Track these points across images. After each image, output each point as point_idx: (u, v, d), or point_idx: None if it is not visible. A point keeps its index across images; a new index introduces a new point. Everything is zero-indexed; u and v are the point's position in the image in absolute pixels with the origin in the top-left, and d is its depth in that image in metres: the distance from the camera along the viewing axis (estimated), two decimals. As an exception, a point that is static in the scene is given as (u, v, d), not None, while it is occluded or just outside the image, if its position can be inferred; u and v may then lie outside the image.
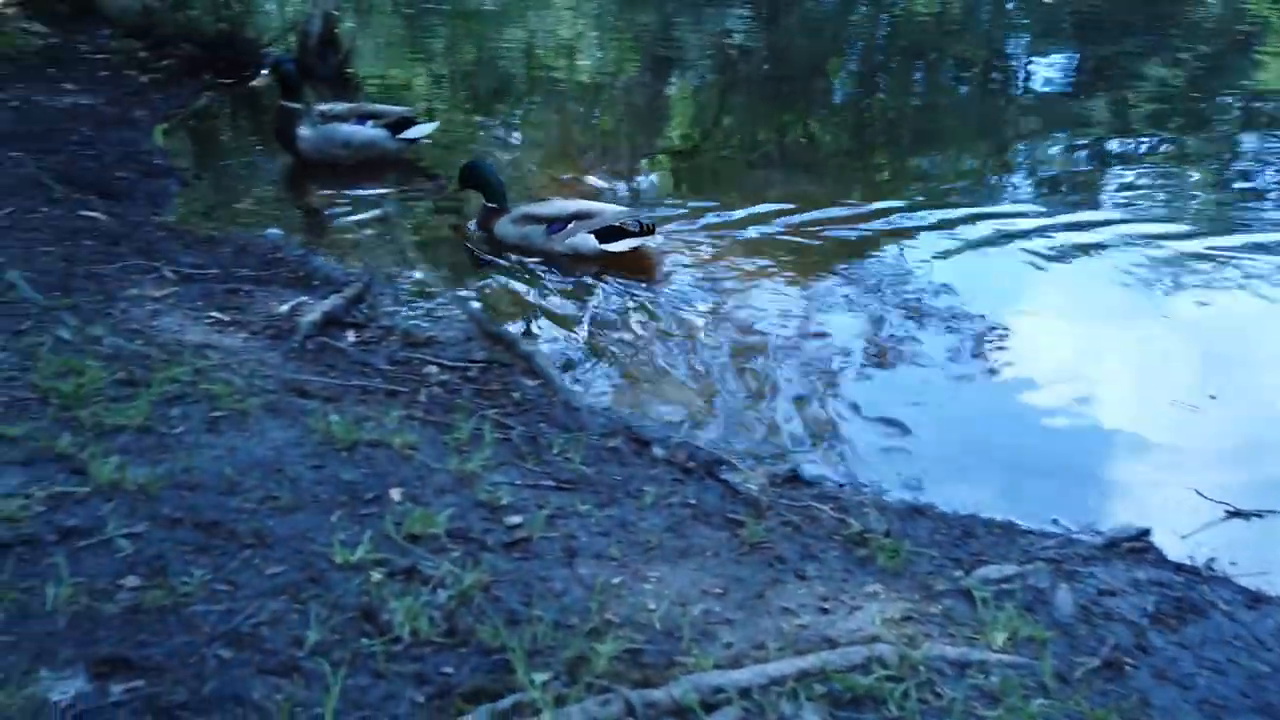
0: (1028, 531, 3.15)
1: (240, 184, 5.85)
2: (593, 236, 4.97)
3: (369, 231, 5.31)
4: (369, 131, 5.92)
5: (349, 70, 8.07)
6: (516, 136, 7.07)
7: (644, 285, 4.83)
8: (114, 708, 1.66)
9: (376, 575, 2.18)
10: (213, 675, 1.79)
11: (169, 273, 4.01)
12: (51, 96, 6.27)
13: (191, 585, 2.02)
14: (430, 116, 6.29)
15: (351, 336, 3.89)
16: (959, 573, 2.70)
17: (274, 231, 5.09)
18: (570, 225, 5.01)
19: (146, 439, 2.57)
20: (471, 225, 5.24)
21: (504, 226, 5.12)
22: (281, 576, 2.13)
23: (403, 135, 6.00)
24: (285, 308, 3.95)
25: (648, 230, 4.94)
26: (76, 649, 1.78)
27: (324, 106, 5.96)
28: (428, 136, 6.15)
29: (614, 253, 4.94)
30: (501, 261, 4.98)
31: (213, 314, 3.72)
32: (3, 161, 4.94)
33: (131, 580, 2.01)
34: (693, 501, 2.92)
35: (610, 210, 5.08)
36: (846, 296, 4.86)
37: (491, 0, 12.25)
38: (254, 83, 5.83)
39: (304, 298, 4.09)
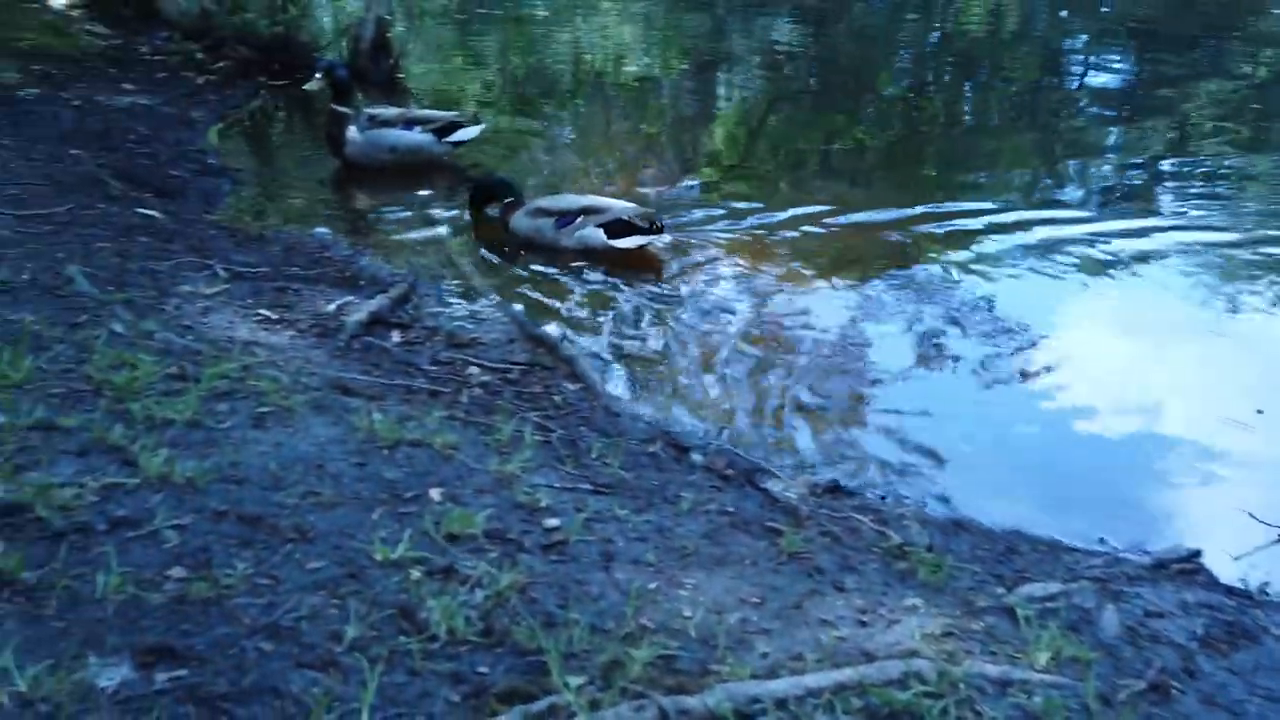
0: (1073, 549, 3.10)
1: (291, 184, 5.95)
2: (601, 231, 5.01)
3: (415, 233, 5.38)
4: (416, 137, 5.99)
5: (399, 74, 8.18)
6: (563, 138, 7.11)
7: (684, 288, 4.82)
8: (157, 696, 1.69)
9: (415, 573, 2.20)
10: (253, 667, 1.81)
11: (220, 270, 4.09)
12: (112, 96, 6.43)
13: (234, 578, 2.05)
14: (476, 119, 6.34)
15: (396, 336, 3.93)
16: (1001, 589, 2.65)
17: (322, 231, 5.17)
18: (579, 219, 5.05)
19: (195, 433, 2.62)
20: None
21: (518, 220, 5.21)
22: (322, 572, 2.15)
23: (449, 139, 6.07)
24: (332, 307, 4.01)
25: (656, 229, 4.98)
26: (123, 637, 1.81)
27: (373, 111, 6.05)
28: (475, 139, 6.21)
29: (621, 248, 4.98)
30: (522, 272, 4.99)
31: (261, 311, 3.78)
32: (64, 159, 5.07)
33: (177, 571, 2.04)
34: (731, 509, 2.90)
35: (620, 206, 5.11)
36: (891, 304, 4.81)
37: (541, 5, 12.35)
38: (307, 86, 5.92)
39: (350, 297, 4.14)
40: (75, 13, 7.61)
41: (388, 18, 8.10)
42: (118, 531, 2.12)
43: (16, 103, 5.65)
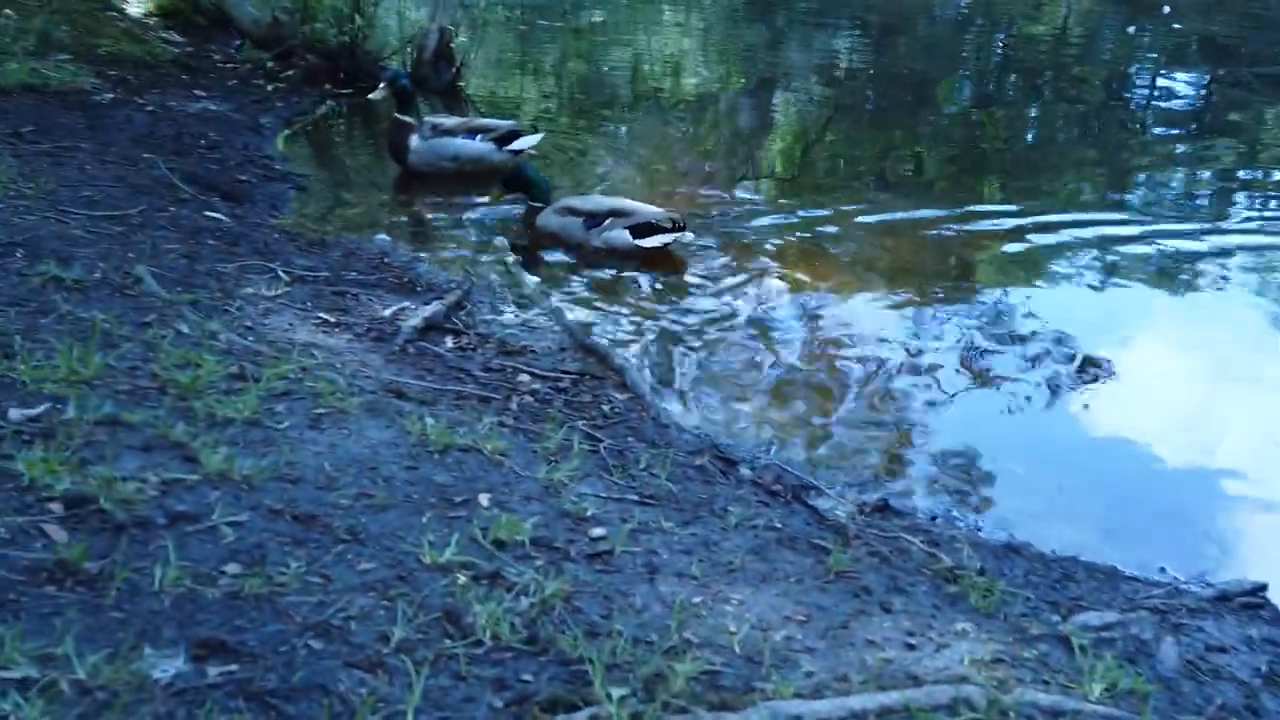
0: (1131, 578, 3.01)
1: (353, 190, 6.07)
2: (628, 232, 5.18)
3: (472, 240, 5.44)
4: (478, 145, 6.10)
5: (461, 83, 8.31)
6: (622, 148, 7.15)
7: (737, 300, 4.81)
8: (209, 689, 1.73)
9: (462, 578, 2.22)
10: (302, 665, 1.84)
11: (282, 273, 4.18)
12: (184, 102, 6.63)
13: (287, 576, 2.09)
14: (535, 129, 6.43)
15: (450, 342, 3.98)
16: (1056, 617, 2.59)
17: (382, 238, 5.27)
18: (607, 221, 5.23)
19: (254, 432, 2.68)
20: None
21: (546, 217, 5.38)
22: (372, 573, 2.18)
23: (509, 147, 6.18)
24: (388, 311, 4.07)
25: (679, 228, 5.14)
26: (178, 630, 1.86)
27: (436, 120, 6.16)
28: (534, 148, 6.30)
29: (646, 248, 5.16)
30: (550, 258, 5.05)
31: (320, 315, 3.86)
32: (137, 163, 5.24)
33: (232, 567, 2.09)
34: (778, 525, 2.88)
35: (645, 209, 5.26)
36: (947, 319, 4.74)
37: (602, 17, 12.45)
38: (371, 95, 6.07)
39: (406, 303, 4.21)
40: (152, 20, 7.87)
41: (451, 28, 8.23)
42: (177, 526, 2.18)
43: (93, 107, 5.85)
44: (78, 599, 1.87)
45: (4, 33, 6.02)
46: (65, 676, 1.66)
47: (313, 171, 6.28)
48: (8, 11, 6.37)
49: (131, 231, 4.19)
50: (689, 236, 5.18)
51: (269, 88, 7.46)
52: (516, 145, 6.20)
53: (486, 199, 5.73)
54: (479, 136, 6.13)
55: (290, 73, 7.71)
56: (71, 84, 5.89)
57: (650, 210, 5.23)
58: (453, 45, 8.26)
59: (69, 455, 2.32)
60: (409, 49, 8.25)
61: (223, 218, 4.83)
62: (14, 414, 2.44)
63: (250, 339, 3.36)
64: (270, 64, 7.75)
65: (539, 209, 5.39)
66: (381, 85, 6.00)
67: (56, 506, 2.13)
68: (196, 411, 2.68)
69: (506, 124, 6.30)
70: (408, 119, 5.99)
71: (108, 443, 2.42)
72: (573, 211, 5.31)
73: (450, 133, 6.08)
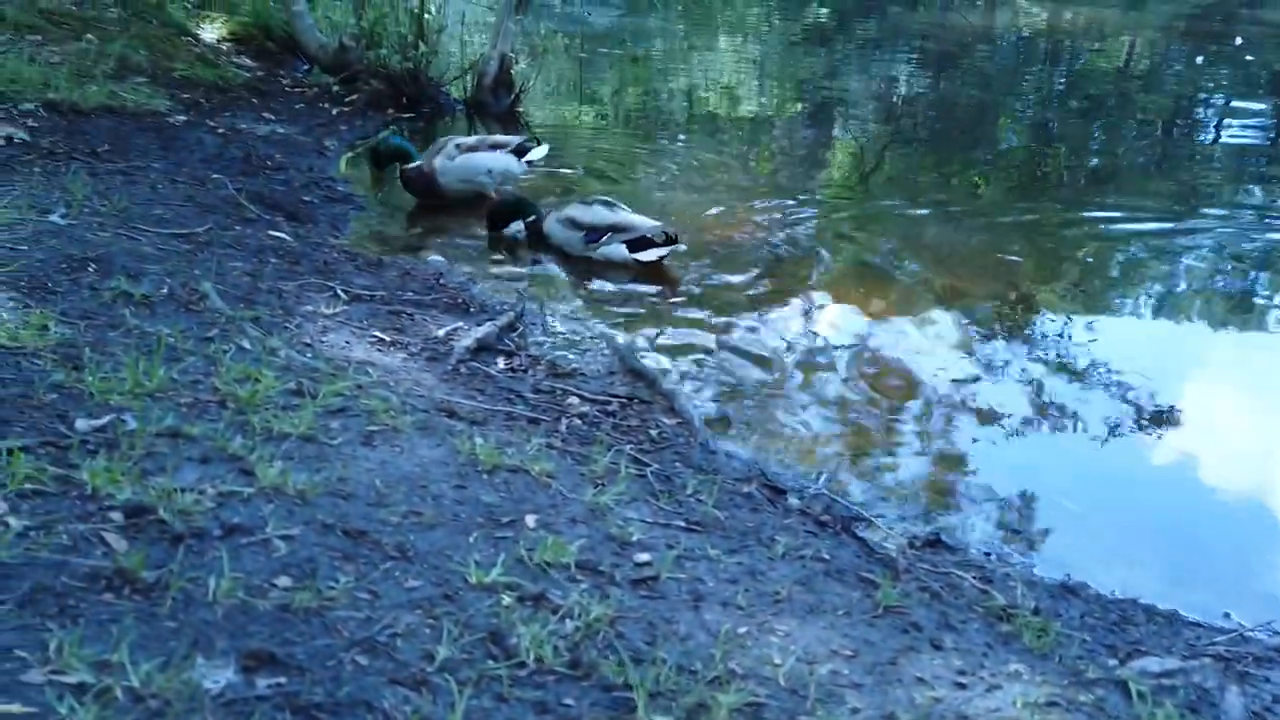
0: (1194, 624, 2.91)
1: (411, 212, 6.18)
2: (624, 247, 5.43)
3: (525, 263, 5.50)
4: (505, 158, 6.21)
5: (520, 109, 8.45)
6: (678, 171, 7.18)
7: (788, 326, 4.78)
8: (258, 701, 1.75)
9: (507, 599, 2.23)
10: (349, 680, 1.86)
11: (341, 292, 4.27)
12: (253, 125, 6.83)
13: (337, 591, 2.11)
14: (538, 141, 6.56)
15: (501, 363, 4.02)
16: (1113, 661, 2.51)
17: (437, 259, 5.35)
18: (606, 236, 5.49)
19: (308, 447, 2.73)
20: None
21: (551, 225, 5.65)
22: (419, 591, 2.20)
23: (524, 159, 6.33)
24: (442, 331, 4.13)
25: (671, 240, 5.40)
26: (230, 640, 1.89)
27: (458, 140, 6.21)
28: (542, 160, 6.51)
29: (643, 262, 5.42)
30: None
31: (376, 333, 3.93)
32: (206, 182, 5.40)
33: (284, 580, 2.12)
34: (826, 556, 2.84)
35: (642, 223, 5.49)
36: (1003, 350, 4.66)
37: (660, 46, 12.57)
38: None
39: (460, 323, 4.26)
40: (225, 46, 8.14)
41: (511, 55, 8.38)
42: (231, 538, 2.22)
43: (167, 129, 6.06)
44: (134, 607, 1.92)
45: (85, 56, 6.28)
46: (120, 683, 1.70)
47: (372, 193, 6.41)
48: (89, 36, 6.64)
49: (199, 249, 4.31)
50: (681, 248, 5.45)
51: (334, 111, 7.66)
52: (530, 157, 6.36)
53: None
54: (498, 150, 6.21)
55: (355, 97, 7.91)
56: (147, 106, 6.10)
57: (646, 224, 5.49)
58: (512, 72, 8.41)
59: (131, 465, 2.38)
60: (470, 75, 8.41)
61: (286, 237, 4.95)
62: (81, 424, 2.52)
63: (308, 356, 3.43)
64: (336, 88, 7.96)
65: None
66: (379, 145, 6.25)
67: (117, 515, 2.19)
68: (254, 425, 2.74)
69: (515, 138, 6.41)
70: (417, 163, 6.10)
71: (168, 454, 2.48)
72: (575, 225, 5.55)
73: (473, 149, 6.15)
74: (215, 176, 5.53)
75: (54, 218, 4.09)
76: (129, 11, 7.44)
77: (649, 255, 5.41)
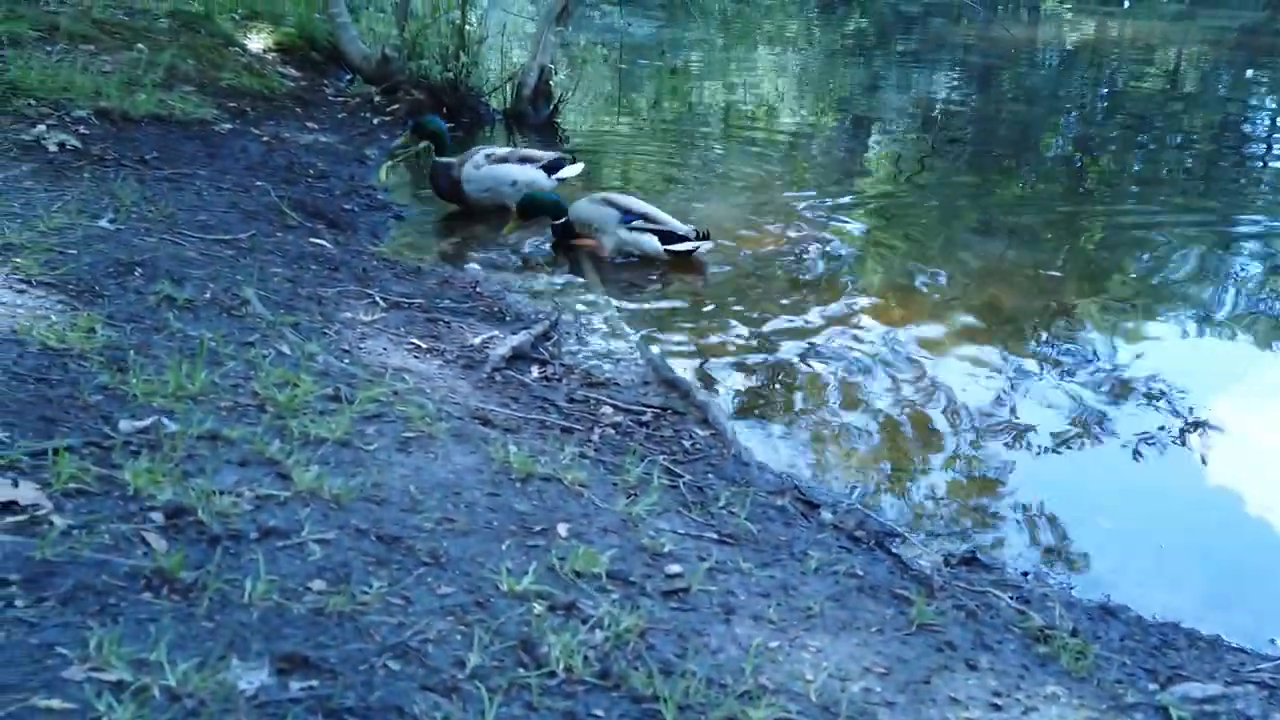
0: (1237, 649, 2.84)
1: (448, 220, 6.24)
2: (657, 239, 5.50)
3: (560, 273, 5.53)
4: (532, 172, 6.20)
5: (558, 120, 8.51)
6: (715, 181, 7.18)
7: (825, 340, 4.75)
8: (290, 703, 1.77)
9: (538, 607, 2.23)
10: (381, 685, 1.87)
11: (379, 299, 4.31)
12: (296, 133, 6.95)
13: (370, 595, 2.13)
14: (575, 159, 6.60)
15: (535, 372, 4.04)
16: (1154, 686, 2.46)
17: (474, 267, 5.39)
18: (639, 222, 5.56)
19: (344, 452, 2.76)
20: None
21: (581, 204, 5.67)
22: (451, 598, 2.21)
23: (556, 175, 6.32)
24: (478, 339, 4.16)
25: (704, 236, 5.48)
26: (264, 643, 1.91)
27: (487, 150, 6.23)
28: (576, 178, 6.52)
29: (676, 252, 5.50)
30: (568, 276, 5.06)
31: (413, 340, 3.97)
32: (250, 189, 5.50)
33: (318, 584, 2.14)
34: (859, 572, 2.81)
35: (673, 221, 5.59)
36: (1043, 367, 4.59)
37: (699, 56, 12.59)
38: (396, 145, 6.32)
39: (495, 331, 4.29)
40: (271, 56, 8.29)
41: (550, 66, 8.44)
42: (268, 541, 2.24)
43: (213, 136, 6.17)
44: (172, 607, 1.94)
45: (136, 66, 6.43)
46: (157, 682, 1.72)
47: (411, 202, 6.48)
48: (140, 46, 6.79)
49: (241, 255, 4.38)
50: (709, 245, 5.52)
51: (375, 121, 7.77)
52: (562, 174, 6.37)
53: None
54: (529, 164, 6.23)
55: (396, 107, 8.02)
56: (194, 114, 6.23)
57: (676, 224, 5.56)
58: (551, 83, 8.47)
59: (172, 467, 2.42)
60: (509, 86, 8.49)
61: (326, 244, 5.02)
62: (124, 425, 2.57)
63: (346, 361, 3.47)
64: (378, 98, 8.07)
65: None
66: (404, 132, 6.18)
67: (158, 516, 2.22)
68: (292, 430, 2.78)
69: (549, 153, 6.42)
70: (447, 160, 6.12)
71: (208, 457, 2.52)
72: (611, 204, 5.59)
73: (505, 160, 6.17)
74: (259, 184, 5.63)
75: (103, 223, 4.18)
76: (178, 22, 7.60)
77: (683, 247, 5.50)
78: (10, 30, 6.13)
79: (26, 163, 4.79)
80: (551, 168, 6.32)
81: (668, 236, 5.50)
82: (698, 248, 5.48)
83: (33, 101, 5.45)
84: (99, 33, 6.76)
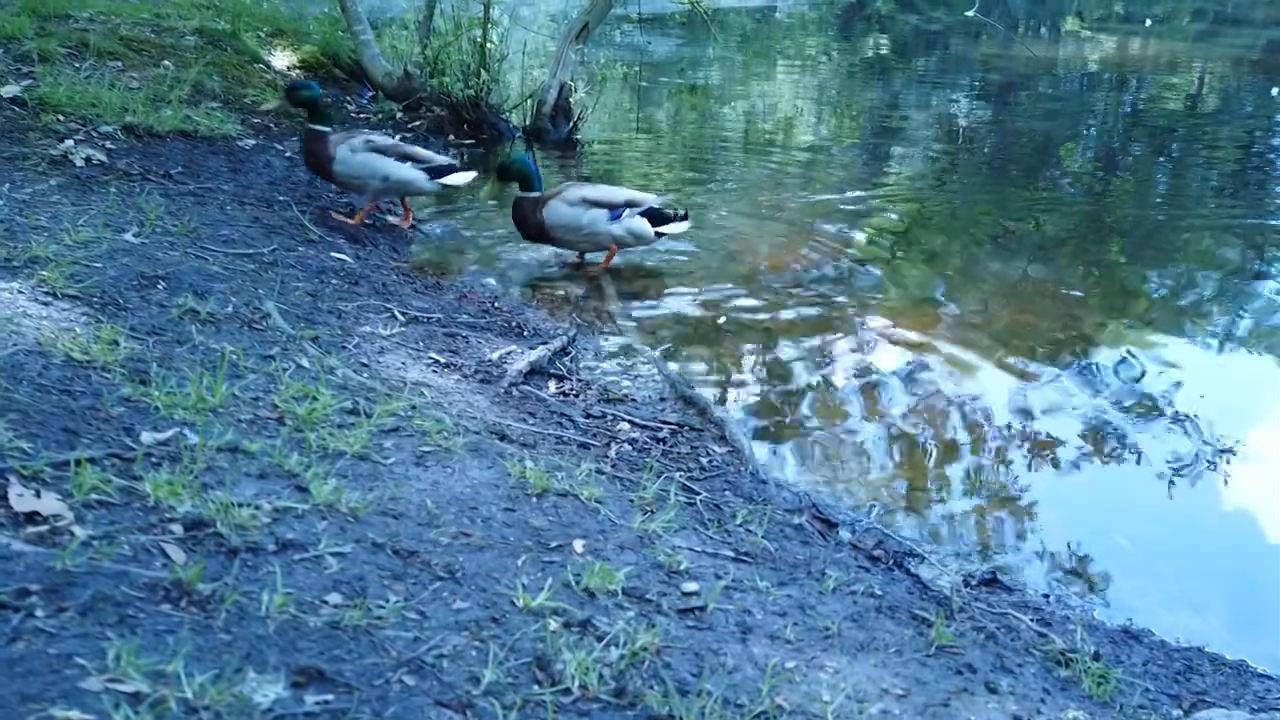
0: (1264, 675, 2.79)
1: (468, 236, 6.28)
2: (646, 221, 5.51)
3: (579, 288, 5.54)
4: (408, 171, 5.76)
5: (578, 136, 8.55)
6: (733, 199, 7.19)
7: (844, 357, 4.73)
8: (306, 717, 1.76)
9: (553, 624, 2.22)
10: (396, 700, 1.87)
11: (398, 314, 4.34)
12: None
13: (386, 610, 2.13)
14: (468, 166, 6.19)
15: (553, 387, 4.04)
16: (1177, 712, 2.42)
17: (492, 282, 5.41)
18: (626, 211, 5.50)
19: (362, 465, 2.77)
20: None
21: (558, 210, 5.46)
22: (466, 613, 2.21)
23: (442, 180, 5.85)
24: (496, 354, 4.17)
25: (683, 217, 5.59)
26: (281, 656, 1.91)
27: (371, 136, 5.83)
28: (466, 185, 6.07)
29: (667, 234, 5.59)
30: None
31: (432, 355, 3.98)
32: (272, 204, 5.55)
33: (334, 597, 2.14)
34: (878, 592, 2.79)
35: (648, 196, 5.60)
36: (1064, 387, 4.55)
37: (718, 74, 12.64)
38: (265, 106, 6.02)
39: (513, 347, 4.30)
40: (295, 72, 8.38)
41: (570, 83, 8.50)
42: (285, 553, 2.25)
43: (237, 152, 6.25)
44: (190, 619, 1.95)
45: (162, 82, 6.52)
46: (174, 694, 1.73)
47: (431, 216, 6.52)
48: (167, 63, 6.89)
49: (263, 269, 4.42)
50: (687, 225, 5.69)
51: (397, 137, 7.83)
52: (450, 179, 5.88)
53: (601, 254, 5.82)
54: (409, 163, 5.79)
55: (417, 123, 8.09)
56: (219, 130, 6.30)
57: (651, 198, 5.61)
58: (572, 100, 8.53)
59: (192, 479, 2.43)
60: (529, 103, 8.55)
61: (346, 259, 5.05)
62: (146, 436, 2.59)
63: (365, 375, 3.49)
64: (399, 115, 8.15)
65: (535, 199, 5.48)
66: (280, 97, 5.76)
67: (177, 527, 2.23)
68: (311, 443, 2.79)
69: (442, 158, 5.95)
70: (323, 128, 5.65)
71: (228, 469, 2.54)
72: (593, 204, 5.47)
73: (382, 151, 5.75)
74: (281, 199, 5.69)
75: (128, 236, 4.23)
76: (205, 39, 7.71)
77: (674, 229, 5.57)
78: (41, 47, 6.24)
79: (54, 177, 4.86)
80: (436, 172, 5.85)
81: (655, 219, 5.55)
82: (683, 230, 5.60)
83: (61, 117, 5.54)
84: (127, 50, 6.86)
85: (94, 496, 2.26)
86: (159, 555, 2.12)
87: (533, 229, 5.53)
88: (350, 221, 5.73)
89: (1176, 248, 6.62)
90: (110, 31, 7.01)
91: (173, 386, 2.89)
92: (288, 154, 6.62)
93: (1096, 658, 2.61)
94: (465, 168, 6.10)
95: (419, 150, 5.97)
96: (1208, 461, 3.97)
